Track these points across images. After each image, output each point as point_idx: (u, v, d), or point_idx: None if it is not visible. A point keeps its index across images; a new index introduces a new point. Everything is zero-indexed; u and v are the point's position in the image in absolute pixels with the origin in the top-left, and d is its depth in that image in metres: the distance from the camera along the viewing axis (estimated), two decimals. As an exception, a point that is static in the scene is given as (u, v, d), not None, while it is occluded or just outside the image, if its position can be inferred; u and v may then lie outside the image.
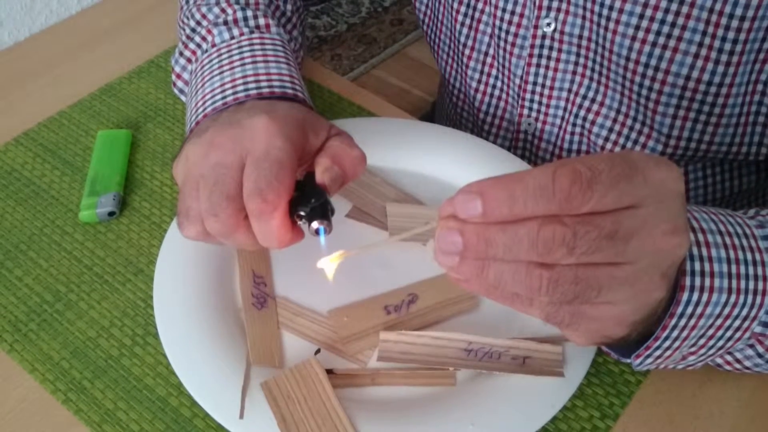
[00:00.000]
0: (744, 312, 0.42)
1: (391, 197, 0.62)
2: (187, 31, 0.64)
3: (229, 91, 0.55)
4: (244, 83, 0.55)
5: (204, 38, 0.61)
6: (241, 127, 0.48)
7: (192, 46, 0.62)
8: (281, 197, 0.45)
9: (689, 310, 0.41)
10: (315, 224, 0.47)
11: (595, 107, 0.65)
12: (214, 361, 0.50)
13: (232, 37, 0.60)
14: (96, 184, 0.63)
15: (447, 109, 0.81)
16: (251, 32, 0.60)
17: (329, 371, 0.50)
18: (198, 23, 0.63)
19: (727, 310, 0.41)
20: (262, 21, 0.61)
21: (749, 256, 0.42)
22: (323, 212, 0.47)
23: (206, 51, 0.60)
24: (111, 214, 0.62)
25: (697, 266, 0.40)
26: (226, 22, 0.61)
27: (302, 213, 0.47)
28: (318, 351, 0.52)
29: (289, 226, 0.47)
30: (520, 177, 0.34)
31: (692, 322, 0.41)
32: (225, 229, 0.47)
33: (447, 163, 0.64)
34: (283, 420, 0.47)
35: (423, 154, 0.65)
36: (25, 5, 0.84)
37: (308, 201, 0.47)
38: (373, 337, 0.52)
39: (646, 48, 0.57)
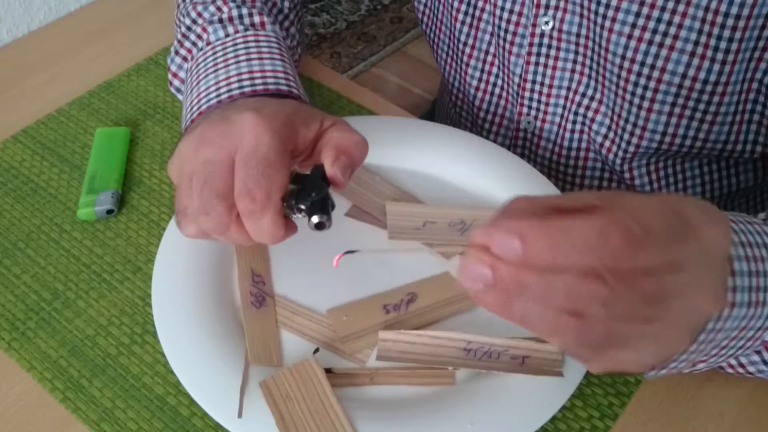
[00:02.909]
0: (759, 323, 0.42)
1: (391, 196, 0.62)
2: (183, 29, 0.64)
3: (224, 89, 0.55)
4: (239, 80, 0.55)
5: (199, 36, 0.61)
6: (230, 123, 0.48)
7: (187, 44, 0.62)
8: (270, 195, 0.45)
9: (710, 325, 0.40)
10: (315, 218, 0.47)
11: (594, 105, 0.65)
12: (213, 360, 0.50)
13: (227, 35, 0.60)
14: (94, 181, 0.63)
15: (446, 107, 0.81)
16: (246, 30, 0.60)
17: (328, 370, 0.50)
18: (193, 21, 0.63)
19: (744, 323, 0.41)
20: (257, 19, 0.61)
21: None
22: (323, 206, 0.47)
23: (201, 49, 0.60)
24: (109, 212, 0.62)
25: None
26: (221, 20, 0.61)
27: (302, 207, 0.47)
28: (317, 350, 0.52)
29: (281, 222, 0.46)
30: (566, 227, 0.32)
31: (711, 336, 0.40)
32: (217, 226, 0.47)
33: (446, 161, 0.64)
34: (282, 419, 0.47)
35: (422, 152, 0.65)
36: (23, 2, 0.84)
37: (308, 195, 0.47)
38: (372, 336, 0.52)
39: (643, 46, 0.57)
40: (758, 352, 0.46)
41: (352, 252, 0.47)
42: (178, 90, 0.64)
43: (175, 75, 0.64)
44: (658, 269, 0.33)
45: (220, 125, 0.48)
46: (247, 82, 0.55)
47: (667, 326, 0.35)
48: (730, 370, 0.49)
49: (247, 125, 0.47)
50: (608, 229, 0.32)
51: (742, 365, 0.48)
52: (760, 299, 0.40)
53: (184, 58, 0.62)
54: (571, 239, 0.32)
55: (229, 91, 0.54)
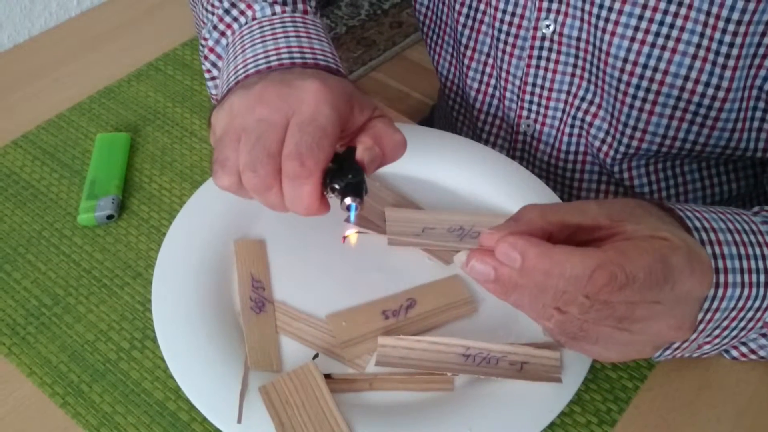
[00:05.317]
0: (756, 304, 0.44)
1: (390, 202, 0.62)
2: (219, 12, 0.62)
3: (273, 57, 0.54)
4: (289, 52, 0.55)
5: (242, 12, 0.61)
6: (292, 86, 0.48)
7: (228, 19, 0.61)
8: (318, 165, 0.45)
9: (705, 305, 0.43)
10: (348, 200, 0.46)
11: (592, 109, 0.65)
12: (212, 365, 0.50)
13: (274, 13, 0.59)
14: (95, 187, 0.63)
15: (446, 111, 0.82)
16: (293, 11, 0.60)
17: (327, 376, 0.50)
18: (233, 5, 0.62)
19: (741, 303, 0.44)
20: (300, 6, 0.61)
21: (758, 251, 0.44)
22: (357, 189, 0.47)
23: (246, 23, 0.60)
24: (110, 217, 0.62)
25: (712, 264, 0.42)
26: (265, 0, 0.61)
27: (337, 186, 0.47)
28: (316, 355, 0.52)
29: (320, 195, 0.46)
30: (562, 260, 0.37)
31: (708, 316, 0.43)
32: (262, 185, 0.46)
33: (445, 168, 0.64)
34: (281, 424, 0.47)
35: (422, 159, 0.65)
36: (24, 8, 0.84)
37: (345, 176, 0.47)
38: (371, 342, 0.52)
39: (645, 49, 0.58)
40: (764, 335, 0.48)
41: (358, 232, 0.50)
42: (214, 64, 0.63)
43: (211, 50, 0.63)
44: (633, 302, 0.39)
45: (281, 87, 0.48)
46: (297, 54, 0.54)
47: (632, 338, 0.41)
48: (742, 359, 0.52)
49: (310, 93, 0.47)
50: (597, 273, 0.37)
51: (752, 351, 0.50)
52: (753, 280, 0.44)
53: (222, 33, 0.62)
54: (564, 271, 0.37)
55: (279, 59, 0.54)
